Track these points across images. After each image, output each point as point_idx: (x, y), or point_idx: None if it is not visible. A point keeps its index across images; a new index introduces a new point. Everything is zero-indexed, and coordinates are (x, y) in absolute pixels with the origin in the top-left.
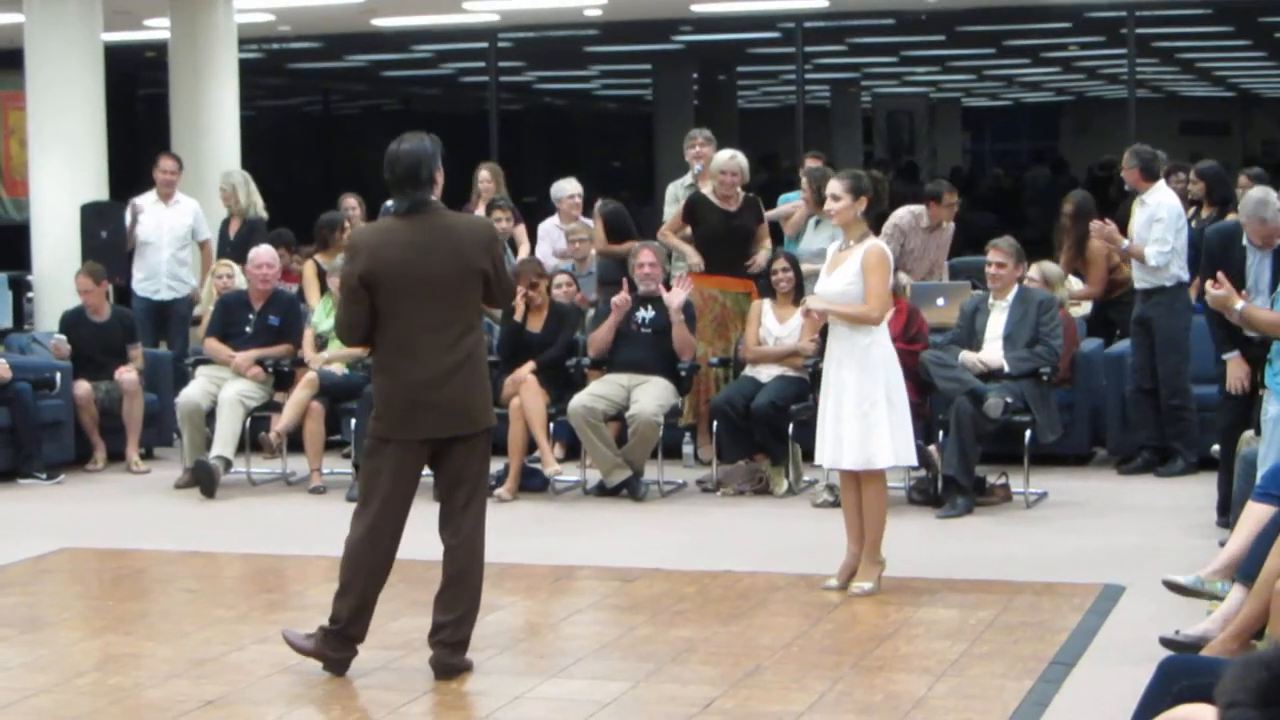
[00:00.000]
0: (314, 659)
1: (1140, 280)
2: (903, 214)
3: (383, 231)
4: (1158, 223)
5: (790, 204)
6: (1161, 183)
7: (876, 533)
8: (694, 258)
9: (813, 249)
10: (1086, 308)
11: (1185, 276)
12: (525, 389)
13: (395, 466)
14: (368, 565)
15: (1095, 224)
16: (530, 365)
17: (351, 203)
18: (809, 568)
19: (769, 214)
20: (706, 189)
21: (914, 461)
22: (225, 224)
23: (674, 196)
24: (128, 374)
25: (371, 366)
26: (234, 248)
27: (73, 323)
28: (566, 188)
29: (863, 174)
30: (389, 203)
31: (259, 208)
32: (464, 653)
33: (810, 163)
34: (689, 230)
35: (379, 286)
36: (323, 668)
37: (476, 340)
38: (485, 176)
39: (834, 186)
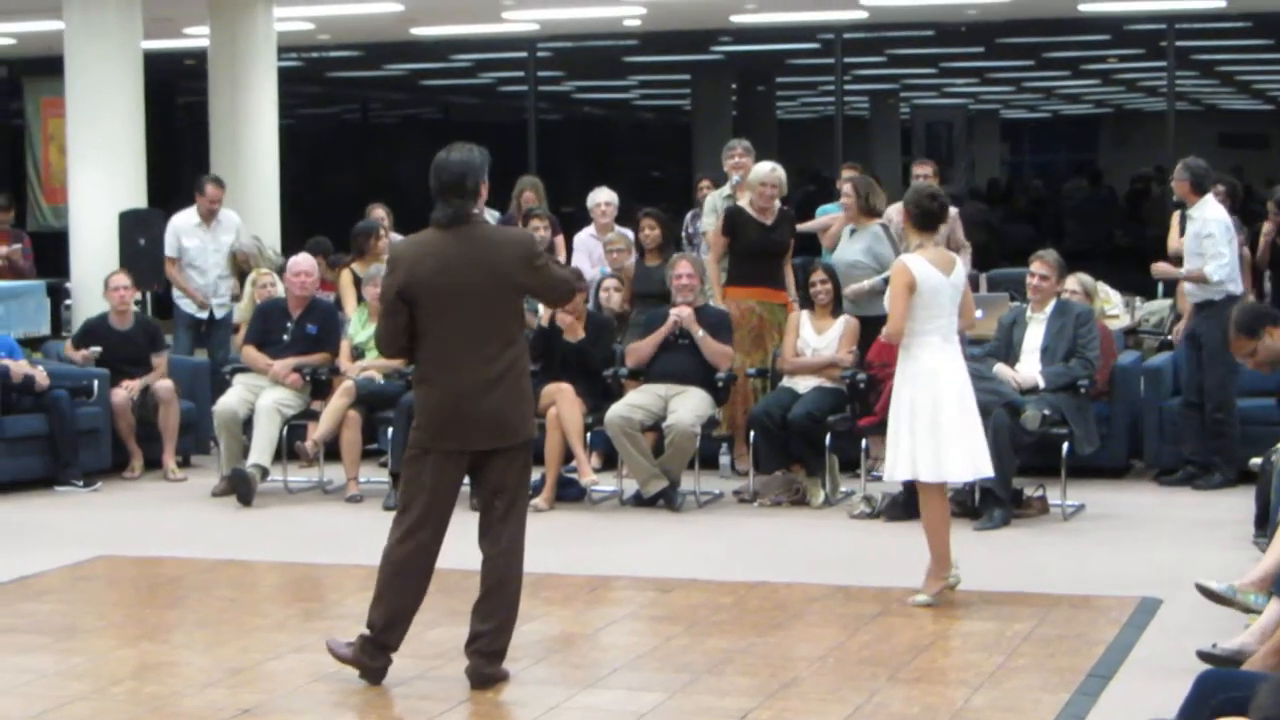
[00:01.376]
0: (352, 667)
1: (1192, 295)
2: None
3: (422, 245)
4: (1208, 238)
5: (829, 216)
6: (1210, 197)
7: (934, 545)
8: (715, 293)
9: (847, 259)
10: (1125, 320)
11: (1237, 290)
12: (562, 398)
13: (435, 476)
14: (405, 574)
15: (1157, 266)
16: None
17: (380, 213)
18: (846, 579)
19: (807, 226)
20: (744, 200)
21: (950, 478)
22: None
23: (712, 207)
24: (162, 382)
25: (413, 377)
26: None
27: (95, 331)
28: (599, 196)
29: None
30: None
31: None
32: (500, 662)
33: (847, 173)
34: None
35: (418, 300)
36: (359, 675)
37: (518, 353)
38: (529, 196)
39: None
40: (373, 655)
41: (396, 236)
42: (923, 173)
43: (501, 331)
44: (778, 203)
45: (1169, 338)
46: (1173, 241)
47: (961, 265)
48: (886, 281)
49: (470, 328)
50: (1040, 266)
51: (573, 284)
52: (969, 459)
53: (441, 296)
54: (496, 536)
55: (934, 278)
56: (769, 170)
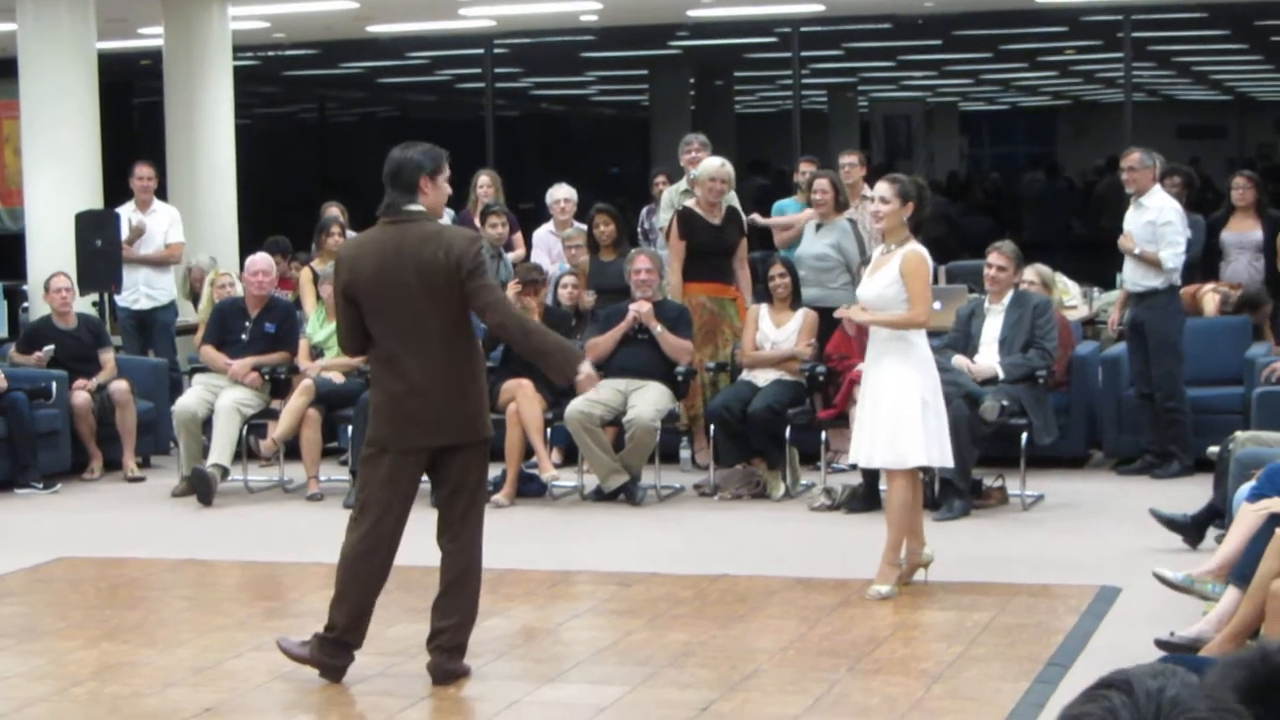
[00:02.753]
0: (309, 666)
1: (1132, 284)
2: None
3: (362, 244)
4: (1167, 225)
5: (792, 215)
6: (1158, 186)
7: (895, 534)
8: (674, 291)
9: (814, 251)
10: (1083, 310)
11: (1179, 282)
12: (521, 394)
13: (392, 475)
14: (364, 573)
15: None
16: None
17: (334, 211)
18: (806, 571)
19: (769, 221)
20: (690, 201)
21: (949, 463)
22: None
23: (669, 202)
24: (118, 383)
25: (368, 376)
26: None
27: (40, 334)
28: (557, 193)
29: (908, 179)
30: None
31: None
32: (461, 658)
33: (805, 167)
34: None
35: (359, 299)
36: (319, 674)
37: (468, 350)
38: (484, 182)
39: (882, 189)
40: (333, 654)
41: (353, 234)
42: (848, 162)
43: (446, 329)
44: (730, 199)
45: (1110, 331)
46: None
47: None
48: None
49: (412, 325)
50: (997, 258)
51: (498, 306)
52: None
53: (380, 295)
54: (456, 533)
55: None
56: (718, 165)
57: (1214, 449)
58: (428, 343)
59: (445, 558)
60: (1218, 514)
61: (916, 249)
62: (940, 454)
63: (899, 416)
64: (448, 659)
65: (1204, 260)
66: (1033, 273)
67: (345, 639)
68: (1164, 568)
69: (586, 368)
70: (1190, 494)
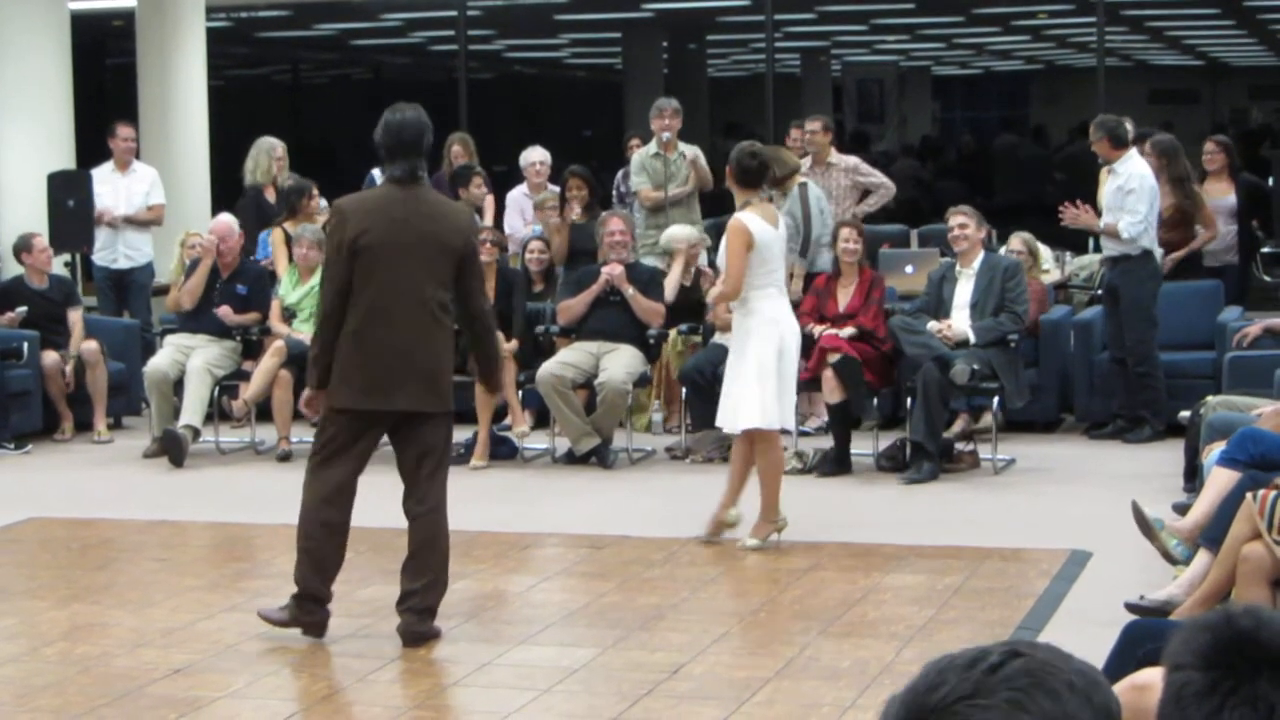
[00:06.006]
0: (292, 628)
1: (1108, 248)
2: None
3: (371, 200)
4: (1130, 194)
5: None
6: (1133, 151)
7: (768, 493)
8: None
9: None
10: (1056, 274)
11: (1152, 247)
12: None
13: (355, 434)
14: (326, 528)
15: (1069, 211)
16: (511, 345)
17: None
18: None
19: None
20: (673, 156)
21: (789, 425)
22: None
23: (640, 165)
24: (88, 344)
25: (343, 332)
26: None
27: (12, 292)
28: (532, 155)
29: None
30: (375, 171)
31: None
32: (432, 620)
33: (800, 130)
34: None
35: (363, 251)
36: (302, 634)
37: (448, 323)
38: (457, 150)
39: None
40: (309, 610)
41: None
42: (814, 128)
43: (437, 299)
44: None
45: (1098, 292)
46: (1102, 198)
47: (784, 220)
48: None
49: (407, 282)
50: (958, 217)
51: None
52: (794, 408)
53: (383, 255)
54: (423, 496)
55: (768, 233)
56: (687, 233)
57: (1185, 413)
58: (417, 309)
59: (413, 521)
60: None
61: (736, 217)
62: (779, 416)
63: (735, 381)
64: (418, 621)
65: None
66: (1018, 241)
67: (316, 594)
68: (1137, 541)
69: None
70: (1161, 458)
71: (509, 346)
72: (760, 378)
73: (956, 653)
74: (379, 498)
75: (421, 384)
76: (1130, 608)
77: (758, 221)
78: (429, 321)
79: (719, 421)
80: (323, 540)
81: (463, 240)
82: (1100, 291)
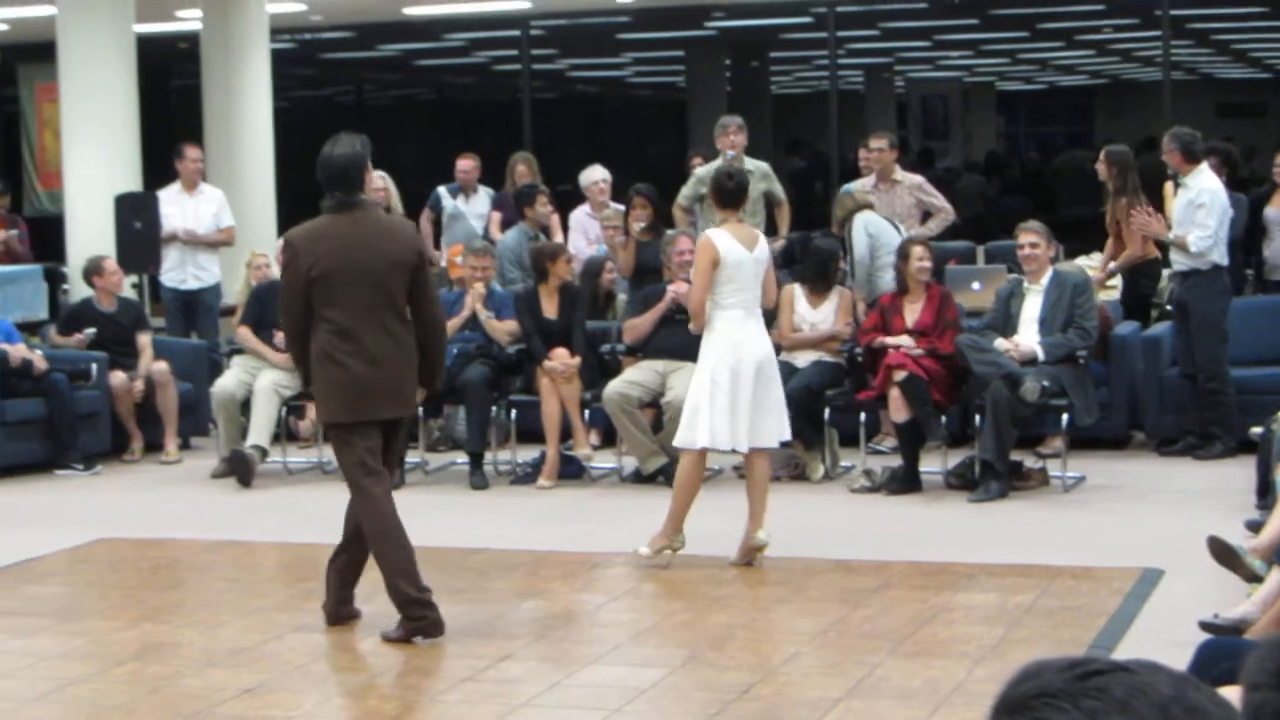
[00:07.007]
0: (416, 635)
1: (1177, 263)
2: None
3: (318, 230)
4: (1199, 208)
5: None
6: (1204, 165)
7: (675, 507)
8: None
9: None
10: (1117, 292)
11: (1222, 261)
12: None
13: (367, 444)
14: (391, 532)
15: (1139, 217)
16: (575, 361)
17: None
18: (846, 554)
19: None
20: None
21: (741, 447)
22: None
23: (699, 179)
24: (158, 365)
25: (315, 356)
26: None
27: (81, 314)
28: (593, 175)
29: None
30: (441, 189)
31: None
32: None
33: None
34: None
35: (319, 279)
36: (424, 638)
37: (409, 331)
38: (521, 169)
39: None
40: (424, 608)
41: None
42: (880, 145)
43: (397, 312)
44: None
45: (1169, 307)
46: (1169, 213)
47: (764, 241)
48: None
49: (367, 302)
50: (1028, 235)
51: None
52: (761, 430)
53: (342, 281)
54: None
55: (736, 252)
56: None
57: (1257, 429)
58: (381, 325)
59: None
60: None
61: (704, 234)
62: (728, 437)
63: (692, 400)
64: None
65: (1247, 239)
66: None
67: (420, 597)
68: (1209, 558)
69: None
70: (1233, 475)
71: (571, 363)
72: (711, 397)
73: (1071, 656)
74: (440, 517)
75: (394, 393)
76: (1204, 626)
77: (727, 240)
78: (390, 336)
79: (675, 441)
80: (395, 543)
81: (414, 255)
82: (1170, 307)
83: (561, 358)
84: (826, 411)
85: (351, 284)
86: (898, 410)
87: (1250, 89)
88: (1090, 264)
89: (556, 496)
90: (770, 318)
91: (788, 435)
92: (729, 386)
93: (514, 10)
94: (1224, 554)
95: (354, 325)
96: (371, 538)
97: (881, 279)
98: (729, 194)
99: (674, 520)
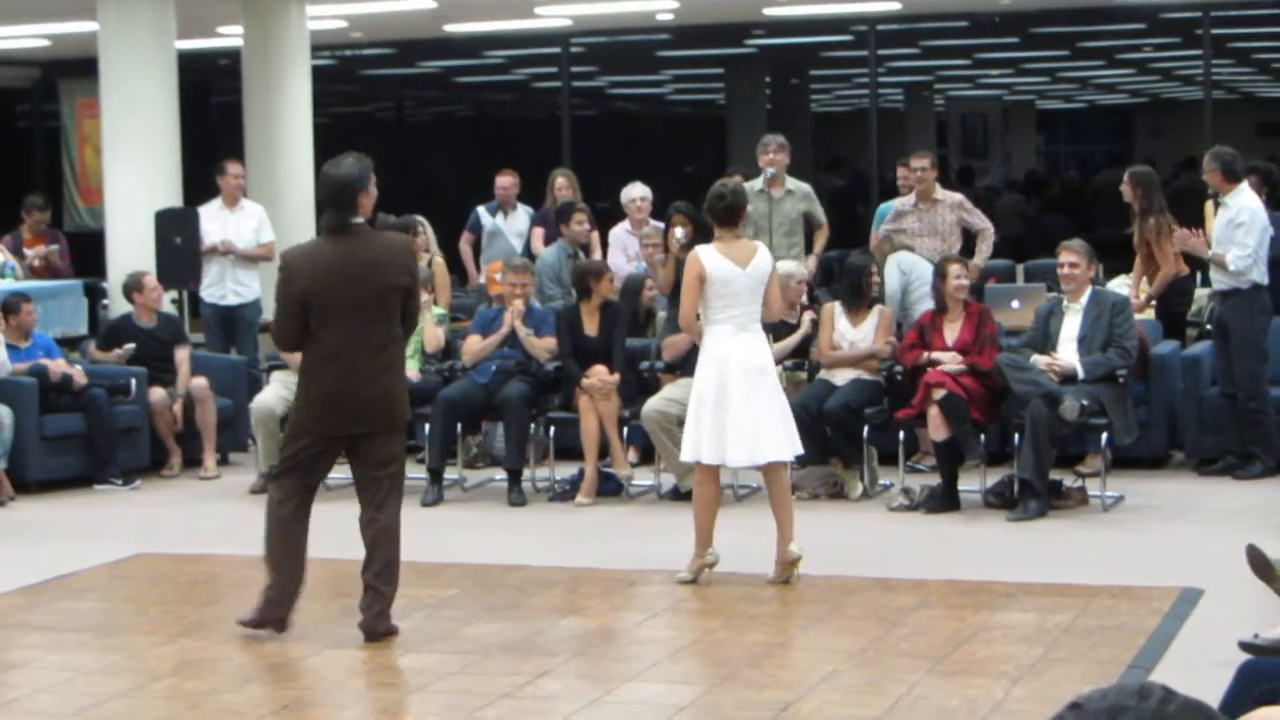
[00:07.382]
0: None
1: (1217, 282)
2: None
3: (313, 252)
4: (1239, 226)
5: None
6: (1244, 184)
7: (697, 526)
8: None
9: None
10: (1151, 312)
11: (1262, 280)
12: (599, 390)
13: (318, 453)
14: (291, 534)
15: (1180, 232)
16: (614, 378)
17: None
18: (885, 572)
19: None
20: (779, 193)
21: (729, 462)
22: None
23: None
24: (198, 380)
25: (302, 370)
26: None
27: (120, 329)
28: (632, 192)
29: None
30: (481, 209)
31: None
32: (389, 618)
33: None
34: None
35: (314, 303)
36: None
37: (399, 349)
38: (562, 184)
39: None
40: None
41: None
42: (920, 165)
43: (389, 332)
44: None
45: (1209, 326)
46: (1209, 232)
47: (764, 257)
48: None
49: (358, 324)
50: (1068, 255)
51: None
52: (762, 445)
53: (335, 301)
54: (382, 503)
55: (724, 268)
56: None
57: None
58: (369, 341)
59: (370, 524)
60: None
61: (693, 250)
62: (714, 451)
63: (688, 417)
64: (377, 619)
65: None
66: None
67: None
68: (1248, 578)
69: None
70: (1272, 494)
71: (610, 380)
72: (697, 410)
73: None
74: (478, 534)
75: (371, 410)
76: (1244, 646)
77: (716, 257)
78: (377, 359)
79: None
80: (290, 547)
81: (408, 278)
82: (1210, 326)
83: (600, 375)
84: (865, 430)
85: (343, 310)
86: (937, 429)
87: None
88: (1122, 285)
89: (595, 514)
90: (778, 331)
91: (799, 448)
92: (714, 401)
93: (554, 27)
94: (1261, 565)
95: (340, 351)
96: (272, 531)
97: (915, 311)
98: (720, 213)
99: (701, 538)
